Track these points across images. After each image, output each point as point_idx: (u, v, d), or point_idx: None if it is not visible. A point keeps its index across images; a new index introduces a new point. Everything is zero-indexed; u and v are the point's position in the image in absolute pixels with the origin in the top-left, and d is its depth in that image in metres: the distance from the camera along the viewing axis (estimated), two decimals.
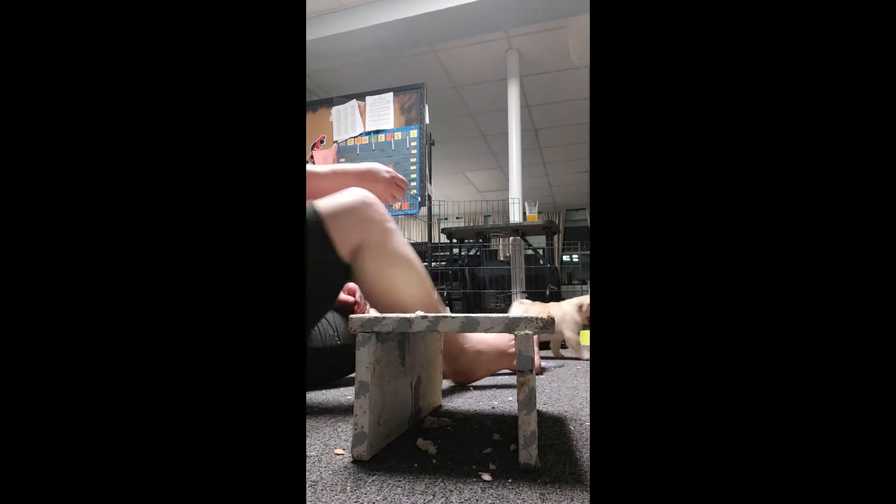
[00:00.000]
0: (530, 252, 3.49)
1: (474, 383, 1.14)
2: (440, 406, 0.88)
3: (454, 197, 6.69)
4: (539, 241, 3.43)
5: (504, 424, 0.74)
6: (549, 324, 0.55)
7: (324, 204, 0.79)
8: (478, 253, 3.75)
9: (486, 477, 0.51)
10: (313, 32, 3.07)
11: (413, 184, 2.80)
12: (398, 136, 2.88)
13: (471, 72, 3.64)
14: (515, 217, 3.16)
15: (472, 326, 0.56)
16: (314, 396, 1.00)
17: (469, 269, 3.42)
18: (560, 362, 1.63)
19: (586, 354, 1.70)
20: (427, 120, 2.89)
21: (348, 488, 0.49)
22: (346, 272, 0.80)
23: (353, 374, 1.26)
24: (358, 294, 1.07)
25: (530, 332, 0.54)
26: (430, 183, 2.92)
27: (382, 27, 2.98)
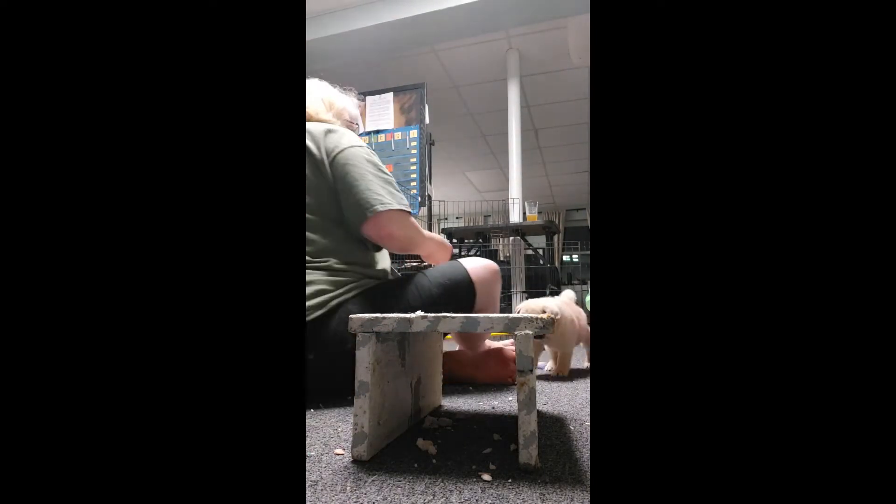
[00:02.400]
0: (530, 252, 3.50)
1: (474, 384, 1.14)
2: (440, 406, 0.88)
3: (454, 197, 6.69)
4: (539, 241, 3.43)
5: (504, 424, 0.74)
6: (548, 324, 0.55)
7: (474, 270, 1.08)
8: (478, 253, 3.75)
9: (486, 477, 0.51)
10: (313, 32, 3.07)
11: (413, 184, 2.81)
12: (398, 136, 2.88)
13: (471, 72, 3.64)
14: (515, 217, 3.16)
15: (472, 326, 0.56)
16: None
17: None
18: None
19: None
20: (427, 120, 2.88)
21: (348, 488, 0.49)
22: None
23: None
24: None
25: (530, 333, 0.54)
26: (430, 183, 2.92)
27: (382, 27, 2.98)
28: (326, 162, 0.99)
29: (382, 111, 2.96)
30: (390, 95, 2.96)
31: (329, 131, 1.03)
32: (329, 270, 0.96)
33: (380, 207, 0.96)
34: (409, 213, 1.01)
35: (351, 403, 0.90)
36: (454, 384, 1.13)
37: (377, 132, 2.92)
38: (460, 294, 1.05)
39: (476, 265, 1.10)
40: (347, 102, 1.21)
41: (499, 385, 1.12)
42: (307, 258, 0.96)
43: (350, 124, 1.20)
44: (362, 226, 0.98)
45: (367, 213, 0.96)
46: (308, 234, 0.97)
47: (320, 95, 1.16)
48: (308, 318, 0.91)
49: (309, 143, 1.00)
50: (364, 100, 2.98)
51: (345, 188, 0.98)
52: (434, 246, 1.12)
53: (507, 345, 1.23)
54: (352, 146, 1.01)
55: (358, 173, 0.98)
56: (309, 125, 1.04)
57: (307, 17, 3.08)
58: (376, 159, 1.04)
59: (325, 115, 1.13)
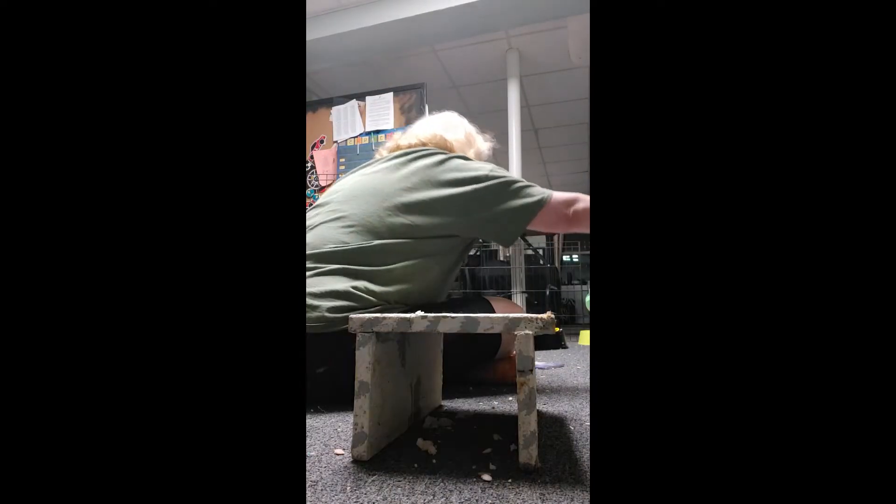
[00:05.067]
0: (530, 252, 3.49)
1: (474, 383, 1.14)
2: (440, 406, 0.88)
3: None
4: (539, 241, 3.42)
5: (504, 424, 0.74)
6: (549, 324, 0.55)
7: (498, 309, 1.11)
8: (478, 253, 3.75)
9: (486, 477, 0.51)
10: (313, 32, 3.07)
11: None
12: (398, 136, 2.88)
13: (471, 72, 3.63)
14: None
15: (472, 326, 0.56)
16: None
17: (469, 269, 3.42)
18: (560, 362, 1.63)
19: None
20: None
21: (348, 488, 0.49)
22: None
23: None
24: None
25: (530, 333, 0.54)
26: None
27: (382, 27, 2.97)
28: (455, 188, 0.99)
29: (382, 111, 2.96)
30: (390, 95, 2.96)
31: (457, 158, 1.05)
32: (374, 282, 0.93)
33: (545, 197, 1.00)
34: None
35: (351, 405, 0.90)
36: (457, 384, 1.13)
37: (377, 132, 2.92)
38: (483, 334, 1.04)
39: (501, 307, 1.12)
40: (484, 145, 1.24)
41: (499, 385, 1.12)
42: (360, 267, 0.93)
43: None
44: (535, 220, 1.00)
45: (538, 208, 0.99)
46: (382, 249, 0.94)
47: (465, 130, 1.19)
48: (324, 331, 0.87)
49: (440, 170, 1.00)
50: (364, 100, 2.99)
51: (496, 203, 0.99)
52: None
53: None
54: (490, 171, 1.02)
55: (504, 188, 1.00)
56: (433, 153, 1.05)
57: (307, 17, 3.08)
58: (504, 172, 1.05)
59: (468, 151, 1.16)
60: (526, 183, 1.02)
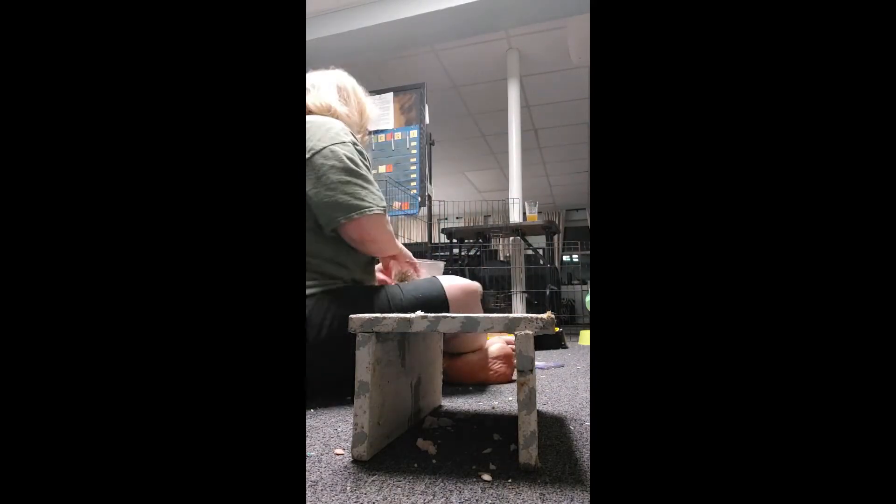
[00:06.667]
0: (530, 252, 3.50)
1: (474, 384, 1.14)
2: (440, 406, 0.88)
3: (454, 197, 6.69)
4: (539, 241, 3.42)
5: (504, 424, 0.74)
6: (548, 324, 0.55)
7: (450, 289, 1.05)
8: (478, 253, 3.75)
9: (486, 477, 0.51)
10: (313, 32, 3.07)
11: (413, 184, 2.81)
12: (398, 136, 2.88)
13: (471, 72, 3.64)
14: (515, 217, 3.15)
15: (472, 326, 0.56)
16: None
17: (469, 269, 3.42)
18: (560, 362, 1.63)
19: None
20: (427, 120, 2.88)
21: (348, 488, 0.49)
22: None
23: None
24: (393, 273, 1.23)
25: (530, 333, 0.54)
26: (430, 183, 2.92)
27: (382, 27, 2.98)
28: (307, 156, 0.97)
29: (382, 111, 2.96)
30: (390, 95, 2.96)
31: (318, 125, 1.01)
32: None
33: (367, 212, 0.95)
34: (386, 214, 1.02)
35: (351, 403, 0.90)
36: (457, 385, 1.12)
37: (377, 132, 2.92)
38: (432, 311, 1.01)
39: (454, 284, 1.06)
40: (368, 100, 1.21)
41: (499, 385, 1.12)
42: None
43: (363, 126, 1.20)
44: (342, 227, 0.96)
45: (351, 215, 0.94)
46: None
47: (336, 82, 1.15)
48: None
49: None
50: None
51: (324, 186, 0.95)
52: (399, 253, 1.13)
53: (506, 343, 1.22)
54: (333, 144, 0.98)
55: (338, 174, 0.96)
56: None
57: (307, 17, 3.08)
58: (357, 158, 1.00)
59: (340, 108, 1.11)
60: (365, 190, 0.98)
